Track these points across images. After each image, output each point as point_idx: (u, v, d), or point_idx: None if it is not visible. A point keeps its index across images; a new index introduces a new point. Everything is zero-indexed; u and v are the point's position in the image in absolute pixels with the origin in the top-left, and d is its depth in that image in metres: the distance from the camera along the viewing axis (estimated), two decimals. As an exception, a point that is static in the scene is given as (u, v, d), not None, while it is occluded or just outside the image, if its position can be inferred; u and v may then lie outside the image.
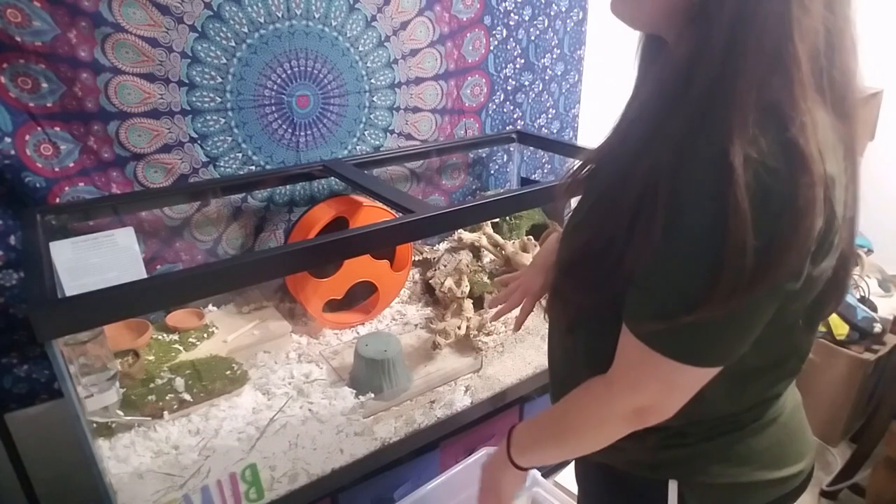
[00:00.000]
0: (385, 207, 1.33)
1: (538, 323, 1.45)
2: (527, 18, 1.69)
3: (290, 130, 1.39)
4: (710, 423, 0.66)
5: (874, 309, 1.93)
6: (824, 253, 0.55)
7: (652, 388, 0.59)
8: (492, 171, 1.86)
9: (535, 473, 1.16)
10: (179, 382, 1.13)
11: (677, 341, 0.56)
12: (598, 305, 0.63)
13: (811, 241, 0.51)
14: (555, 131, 1.94)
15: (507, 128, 1.80)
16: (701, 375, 0.58)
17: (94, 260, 0.96)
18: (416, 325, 1.48)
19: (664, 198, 0.52)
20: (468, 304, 1.41)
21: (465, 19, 1.57)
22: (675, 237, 0.52)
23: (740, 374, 0.62)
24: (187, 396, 1.12)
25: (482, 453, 1.18)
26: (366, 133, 1.53)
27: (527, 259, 1.49)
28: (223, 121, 1.29)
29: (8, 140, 1.07)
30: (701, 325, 0.53)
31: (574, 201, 0.75)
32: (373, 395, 1.21)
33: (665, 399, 0.60)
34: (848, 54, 0.54)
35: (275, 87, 1.33)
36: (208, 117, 1.27)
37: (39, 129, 1.10)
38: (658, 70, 0.61)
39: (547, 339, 0.81)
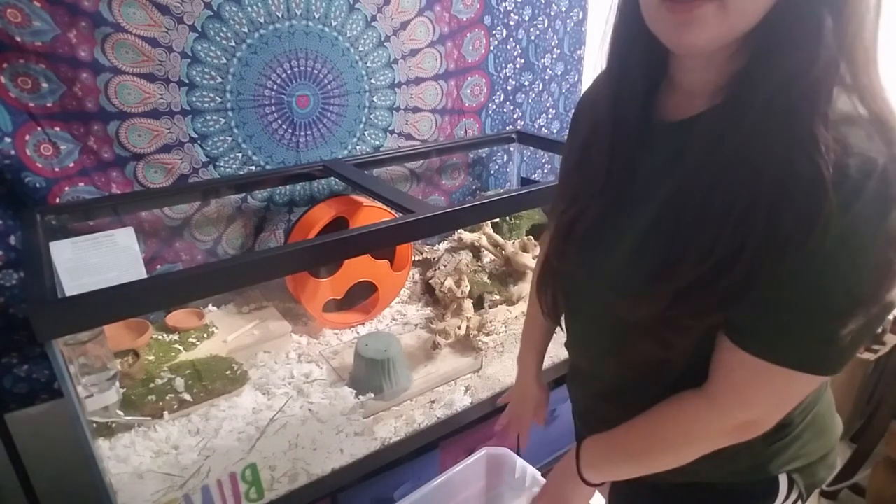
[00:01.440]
0: (385, 207, 1.33)
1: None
2: (527, 18, 1.69)
3: (290, 130, 1.39)
4: (802, 407, 0.68)
5: (874, 309, 1.93)
6: None
7: (764, 401, 0.58)
8: (492, 171, 1.86)
9: (535, 473, 1.16)
10: (179, 382, 1.13)
11: (807, 353, 0.54)
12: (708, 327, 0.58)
13: None
14: (555, 131, 1.94)
15: (507, 128, 1.80)
16: (818, 382, 0.56)
17: (94, 260, 0.96)
18: (416, 325, 1.48)
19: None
20: (468, 304, 1.41)
21: (465, 19, 1.57)
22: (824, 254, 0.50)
23: None
24: (187, 396, 1.12)
25: (482, 453, 1.18)
26: (366, 133, 1.53)
27: (527, 259, 1.49)
28: (223, 121, 1.29)
29: (8, 140, 1.07)
30: (840, 335, 0.51)
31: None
32: (373, 395, 1.21)
33: (776, 410, 0.59)
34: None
35: (275, 87, 1.33)
36: (208, 117, 1.27)
37: (39, 129, 1.10)
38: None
39: (586, 361, 0.77)
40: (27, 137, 1.10)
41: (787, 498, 0.71)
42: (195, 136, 1.27)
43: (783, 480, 0.70)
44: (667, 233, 0.59)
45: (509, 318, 1.44)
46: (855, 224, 0.48)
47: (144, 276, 1.00)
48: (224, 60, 1.24)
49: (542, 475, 1.34)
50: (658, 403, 0.65)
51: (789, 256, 0.50)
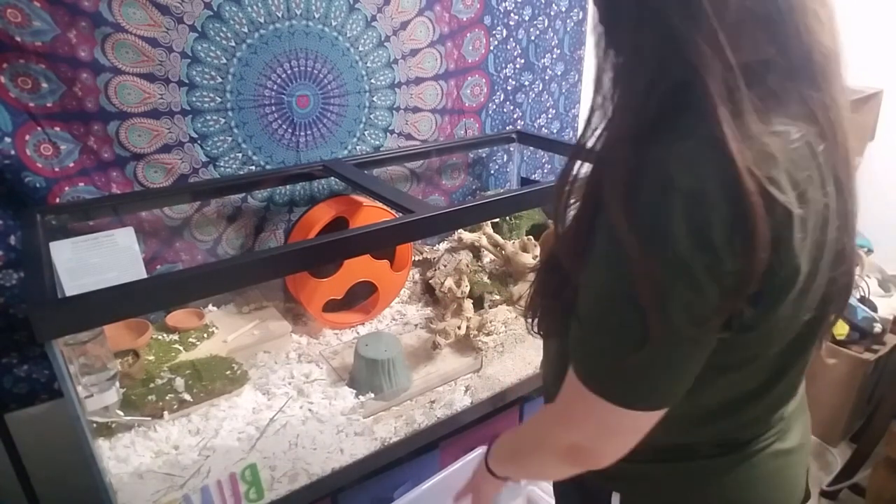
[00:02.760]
0: (385, 207, 1.33)
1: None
2: (527, 18, 1.69)
3: (290, 130, 1.39)
4: (662, 448, 0.61)
5: (874, 309, 1.93)
6: (780, 299, 0.49)
7: (587, 427, 0.55)
8: (492, 171, 1.86)
9: None
10: (179, 382, 1.13)
11: (612, 382, 0.52)
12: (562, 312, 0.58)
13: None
14: (555, 131, 1.94)
15: (507, 128, 1.80)
16: (640, 419, 0.53)
17: (94, 260, 0.96)
18: (416, 325, 1.48)
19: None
20: (468, 304, 1.41)
21: (465, 19, 1.57)
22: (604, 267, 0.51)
23: (692, 413, 0.58)
24: (187, 396, 1.12)
25: (481, 451, 1.18)
26: (366, 133, 1.53)
27: (527, 259, 1.49)
28: (223, 121, 1.29)
29: (8, 140, 1.07)
30: (634, 366, 0.50)
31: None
32: (373, 395, 1.21)
33: (602, 442, 0.55)
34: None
35: (275, 87, 1.33)
36: (208, 117, 1.27)
37: (39, 129, 1.10)
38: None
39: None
40: (27, 137, 1.10)
41: None
42: (195, 136, 1.27)
43: (615, 501, 0.67)
44: None
45: (509, 318, 1.44)
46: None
47: (144, 276, 1.00)
48: (224, 60, 1.24)
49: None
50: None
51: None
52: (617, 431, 0.54)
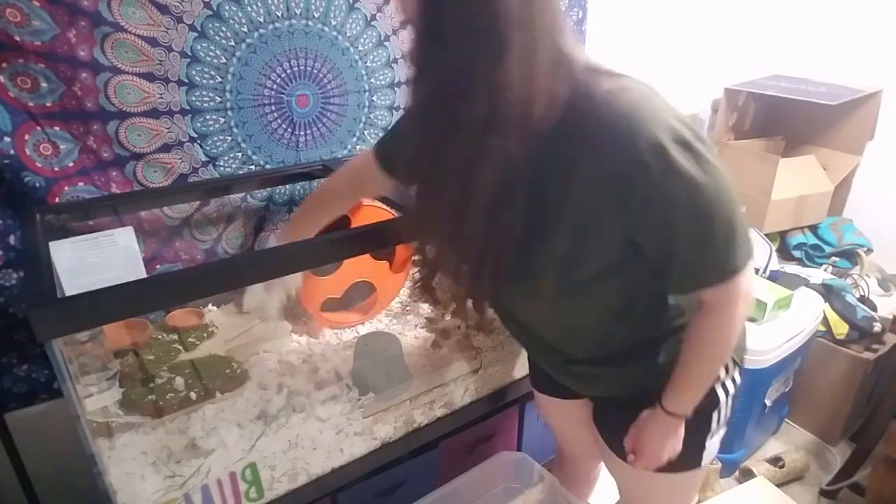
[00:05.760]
0: (385, 207, 1.33)
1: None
2: (527, 18, 1.69)
3: (289, 130, 1.39)
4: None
5: (874, 308, 1.94)
6: None
7: (747, 305, 0.80)
8: (492, 171, 1.85)
9: (553, 480, 1.16)
10: (179, 382, 1.13)
11: (746, 254, 0.76)
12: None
13: None
14: (555, 131, 1.94)
15: (507, 127, 1.80)
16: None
17: (93, 260, 0.96)
18: (415, 325, 1.48)
19: None
20: (468, 303, 1.41)
21: (464, 19, 1.56)
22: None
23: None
24: (187, 396, 1.12)
25: (498, 456, 1.19)
26: (365, 132, 1.52)
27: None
28: (223, 120, 1.29)
29: (7, 140, 1.07)
30: (745, 238, 0.76)
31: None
32: (373, 395, 1.21)
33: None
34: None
35: (274, 86, 1.33)
36: (208, 117, 1.27)
37: (39, 128, 1.10)
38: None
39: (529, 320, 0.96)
40: (26, 137, 1.09)
41: (727, 372, 0.92)
42: (195, 135, 1.27)
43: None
44: None
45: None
46: None
47: (144, 275, 1.00)
48: (224, 60, 1.24)
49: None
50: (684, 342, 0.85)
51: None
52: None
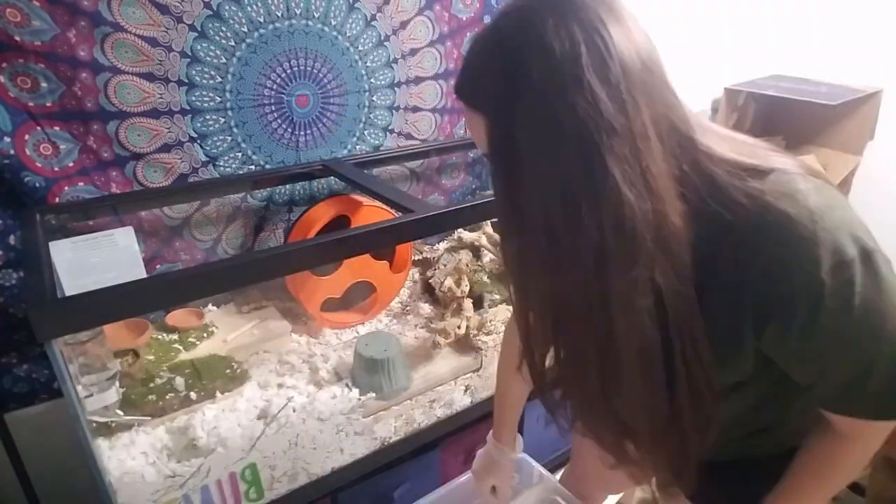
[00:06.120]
0: (385, 207, 1.33)
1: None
2: (527, 18, 1.69)
3: (289, 130, 1.39)
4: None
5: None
6: None
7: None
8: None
9: (550, 477, 1.15)
10: (179, 382, 1.13)
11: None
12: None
13: None
14: (555, 131, 1.94)
15: (507, 127, 1.80)
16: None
17: (93, 260, 0.96)
18: (415, 325, 1.48)
19: None
20: (468, 303, 1.41)
21: (464, 18, 1.56)
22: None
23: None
24: (187, 395, 1.12)
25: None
26: (365, 132, 1.52)
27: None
28: (223, 120, 1.29)
29: (7, 140, 1.07)
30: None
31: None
32: (373, 395, 1.21)
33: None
34: None
35: (274, 86, 1.33)
36: (208, 117, 1.27)
37: (39, 128, 1.10)
38: None
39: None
40: (26, 137, 1.09)
41: None
42: (195, 135, 1.27)
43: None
44: None
45: (509, 318, 1.43)
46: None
47: (144, 275, 1.00)
48: (223, 60, 1.24)
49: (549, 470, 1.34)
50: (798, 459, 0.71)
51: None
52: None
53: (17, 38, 1.03)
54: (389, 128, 1.56)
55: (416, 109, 1.59)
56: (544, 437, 1.44)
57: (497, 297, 1.50)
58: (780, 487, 0.72)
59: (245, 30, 1.25)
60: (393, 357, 1.21)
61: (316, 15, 1.32)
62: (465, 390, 1.28)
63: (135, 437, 1.06)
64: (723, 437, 0.66)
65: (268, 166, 1.39)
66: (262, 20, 1.26)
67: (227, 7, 1.21)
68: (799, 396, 0.67)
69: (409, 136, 1.61)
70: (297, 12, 1.30)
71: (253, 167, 1.37)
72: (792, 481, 0.72)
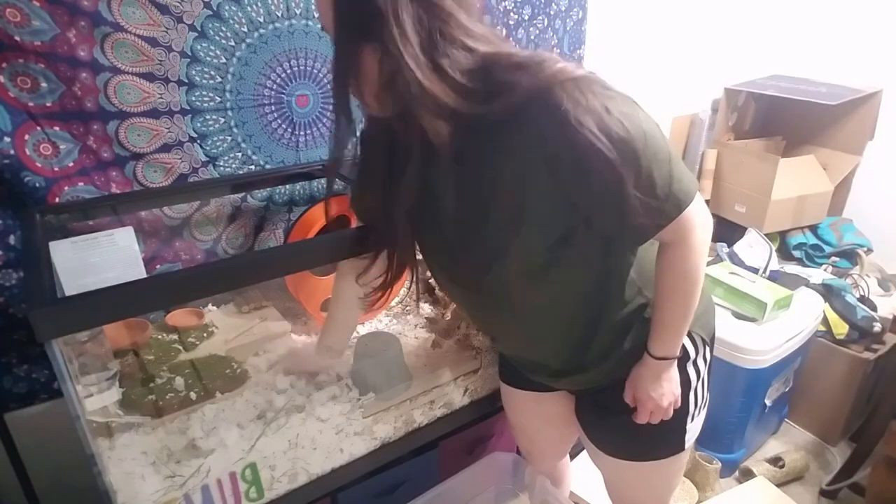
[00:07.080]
0: (385, 207, 1.33)
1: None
2: (526, 18, 1.69)
3: (289, 130, 1.39)
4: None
5: (874, 308, 1.94)
6: None
7: (708, 229, 0.84)
8: (491, 171, 1.85)
9: (544, 480, 1.16)
10: (179, 382, 1.13)
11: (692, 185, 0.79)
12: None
13: None
14: (554, 131, 1.94)
15: (507, 127, 1.80)
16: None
17: (93, 260, 0.96)
18: (415, 325, 1.48)
19: None
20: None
21: (464, 19, 1.56)
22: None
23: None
24: (187, 396, 1.12)
25: (491, 457, 1.18)
26: (365, 132, 1.52)
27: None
28: (223, 120, 1.29)
29: (7, 140, 1.07)
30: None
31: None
32: (373, 395, 1.21)
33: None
34: None
35: (274, 86, 1.33)
36: (208, 117, 1.27)
37: (39, 128, 1.10)
38: None
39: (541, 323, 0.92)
40: (26, 137, 1.10)
41: (696, 351, 0.95)
42: (195, 135, 1.27)
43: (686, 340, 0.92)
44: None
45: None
46: None
47: (144, 275, 1.00)
48: (223, 60, 1.24)
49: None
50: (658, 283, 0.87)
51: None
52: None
53: (17, 38, 1.03)
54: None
55: (416, 109, 1.58)
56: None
57: (497, 297, 1.50)
58: (653, 319, 0.89)
59: (245, 30, 1.25)
60: (393, 357, 1.21)
61: (316, 15, 1.32)
62: (465, 391, 1.28)
63: (135, 438, 1.06)
64: (581, 326, 0.90)
65: (268, 166, 1.39)
66: (262, 20, 1.26)
67: (227, 7, 1.21)
68: (625, 260, 0.88)
69: (409, 136, 1.60)
70: (297, 12, 1.30)
71: (253, 167, 1.37)
72: (658, 307, 0.88)
